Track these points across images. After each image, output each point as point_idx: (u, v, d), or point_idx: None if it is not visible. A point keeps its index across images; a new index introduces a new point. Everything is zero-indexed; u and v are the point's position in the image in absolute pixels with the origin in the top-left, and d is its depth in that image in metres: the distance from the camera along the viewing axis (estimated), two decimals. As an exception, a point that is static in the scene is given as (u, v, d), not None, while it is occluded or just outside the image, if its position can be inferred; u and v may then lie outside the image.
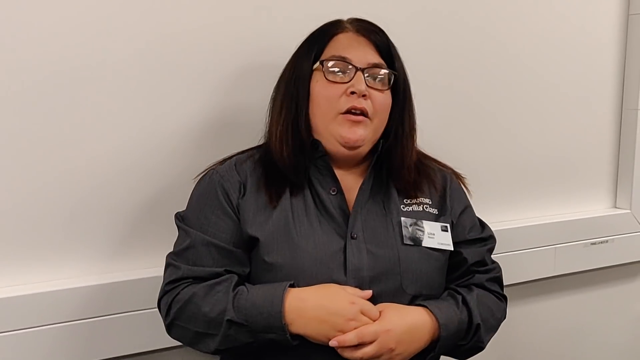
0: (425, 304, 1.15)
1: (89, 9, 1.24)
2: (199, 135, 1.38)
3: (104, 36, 1.25)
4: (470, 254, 1.26)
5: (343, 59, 1.15)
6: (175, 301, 1.12)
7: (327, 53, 1.17)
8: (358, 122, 1.15)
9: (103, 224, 1.30)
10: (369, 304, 1.10)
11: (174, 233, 1.20)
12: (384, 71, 1.17)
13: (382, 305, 1.12)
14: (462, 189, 1.32)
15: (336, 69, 1.15)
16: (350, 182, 1.21)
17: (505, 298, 1.30)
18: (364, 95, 1.14)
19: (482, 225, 1.32)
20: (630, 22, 1.92)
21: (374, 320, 1.09)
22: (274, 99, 1.23)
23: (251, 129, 1.31)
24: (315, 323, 1.07)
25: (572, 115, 1.89)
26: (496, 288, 1.28)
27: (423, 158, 1.30)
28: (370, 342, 1.07)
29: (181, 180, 1.33)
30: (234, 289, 1.10)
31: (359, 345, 1.07)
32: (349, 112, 1.14)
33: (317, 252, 1.13)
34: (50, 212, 1.25)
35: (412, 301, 1.16)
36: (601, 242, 1.91)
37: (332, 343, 1.06)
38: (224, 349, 1.11)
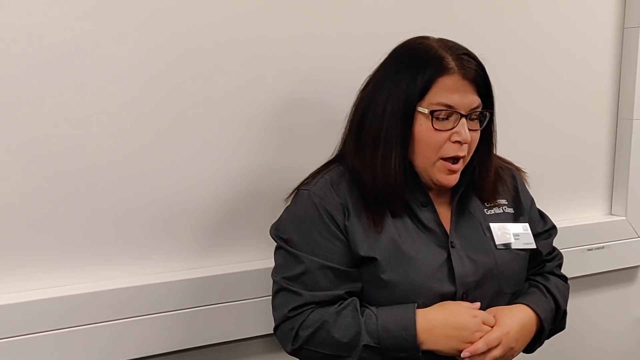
0: (523, 301, 1.26)
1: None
2: (272, 133, 1.49)
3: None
4: (543, 246, 1.35)
5: (450, 107, 1.16)
6: (303, 327, 1.17)
7: (432, 98, 1.16)
8: (456, 170, 1.20)
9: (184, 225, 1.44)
10: (486, 313, 1.20)
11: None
12: (481, 112, 1.20)
13: (493, 310, 1.22)
14: (525, 184, 1.39)
15: (442, 117, 1.16)
16: (435, 194, 1.26)
17: (566, 278, 1.41)
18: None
19: (542, 216, 1.41)
20: (626, 35, 1.98)
21: (492, 327, 1.19)
22: (361, 123, 1.22)
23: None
24: (444, 339, 1.16)
25: (568, 124, 1.94)
26: (561, 272, 1.40)
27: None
28: (496, 346, 1.17)
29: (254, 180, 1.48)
30: (361, 312, 1.17)
31: (487, 351, 1.17)
32: (449, 159, 1.19)
33: (427, 266, 1.19)
34: (138, 214, 1.39)
35: (510, 299, 1.27)
36: (597, 248, 1.96)
37: (465, 354, 1.16)
38: None
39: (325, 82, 1.53)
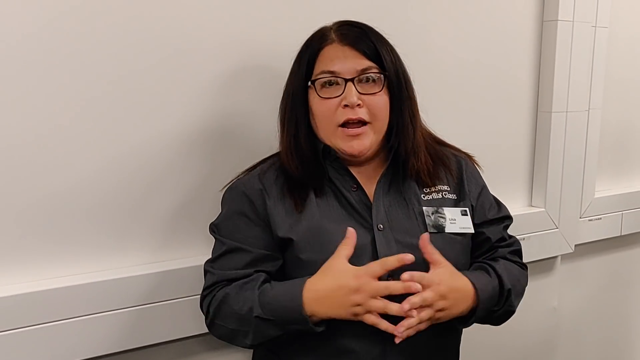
0: (463, 273, 1.22)
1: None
2: (222, 138, 1.47)
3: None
4: (492, 232, 1.35)
5: (331, 73, 1.19)
6: (212, 302, 1.21)
7: (316, 69, 1.21)
8: (357, 134, 1.20)
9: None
10: (370, 267, 1.13)
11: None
12: (373, 74, 1.20)
13: (442, 262, 1.18)
14: (477, 170, 1.38)
15: (327, 84, 1.20)
16: (369, 176, 1.27)
17: (525, 267, 1.39)
18: (358, 105, 1.18)
19: (498, 203, 1.40)
20: (545, 28, 2.00)
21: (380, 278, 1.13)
22: (279, 115, 1.28)
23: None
24: (336, 307, 1.12)
25: (489, 117, 1.95)
26: (517, 259, 1.38)
27: (437, 144, 1.35)
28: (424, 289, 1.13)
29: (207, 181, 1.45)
30: (259, 286, 1.17)
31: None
32: (346, 124, 1.19)
33: None
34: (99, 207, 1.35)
35: None
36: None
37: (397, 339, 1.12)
38: (259, 344, 1.20)
39: (271, 73, 1.49)
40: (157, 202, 1.41)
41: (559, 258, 2.19)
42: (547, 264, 2.16)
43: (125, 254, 1.40)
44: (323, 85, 1.20)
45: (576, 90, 2.05)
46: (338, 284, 1.12)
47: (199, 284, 1.29)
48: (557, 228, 2.10)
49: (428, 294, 1.13)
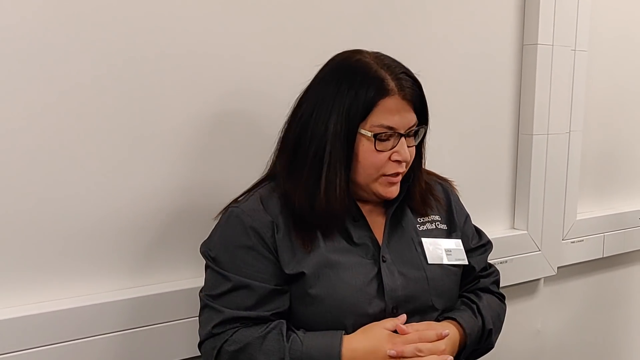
0: (453, 316, 1.26)
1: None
2: (200, 148, 1.44)
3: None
4: (476, 262, 1.36)
5: (391, 129, 1.18)
6: (226, 346, 1.16)
7: (375, 120, 1.17)
8: (396, 182, 1.23)
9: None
10: (405, 337, 1.16)
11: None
12: (418, 129, 1.23)
13: (423, 325, 1.20)
14: (459, 198, 1.39)
15: (384, 138, 1.18)
16: (369, 208, 1.27)
17: (503, 297, 1.42)
18: None
19: (478, 231, 1.42)
20: (525, 52, 2.02)
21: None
22: (303, 150, 1.19)
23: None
24: None
25: (470, 140, 1.96)
26: (497, 290, 1.41)
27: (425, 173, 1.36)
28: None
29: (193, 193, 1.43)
30: (287, 338, 1.14)
31: None
32: (390, 175, 1.21)
33: (355, 281, 1.18)
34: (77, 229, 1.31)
35: (440, 315, 1.26)
36: (500, 262, 1.97)
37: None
38: None
39: (255, 94, 1.49)
40: (137, 226, 1.39)
41: (542, 280, 2.19)
42: (530, 286, 2.16)
43: (103, 278, 1.37)
44: (379, 140, 1.18)
45: (557, 112, 2.06)
46: (375, 347, 1.14)
47: (183, 308, 1.26)
48: (539, 250, 2.10)
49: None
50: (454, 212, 1.35)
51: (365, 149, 1.18)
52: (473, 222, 1.42)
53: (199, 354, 1.24)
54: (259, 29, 1.48)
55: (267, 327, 1.16)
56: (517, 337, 2.16)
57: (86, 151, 1.31)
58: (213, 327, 1.17)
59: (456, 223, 1.34)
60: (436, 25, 1.82)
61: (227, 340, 1.16)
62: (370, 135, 1.17)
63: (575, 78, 2.13)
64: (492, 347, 1.35)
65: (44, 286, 1.30)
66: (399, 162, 1.20)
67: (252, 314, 1.17)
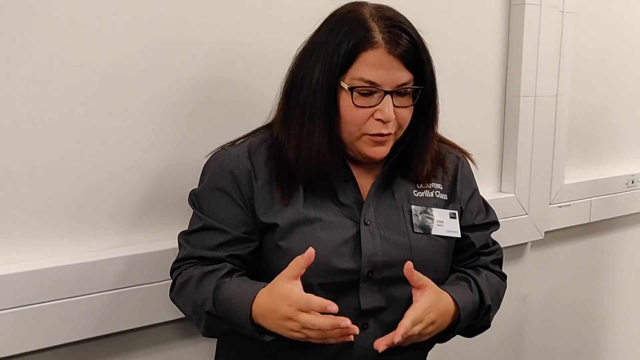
0: (445, 289, 1.19)
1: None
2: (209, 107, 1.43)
3: None
4: (477, 238, 1.30)
5: (372, 84, 1.11)
6: (178, 279, 1.19)
7: (354, 72, 1.11)
8: (383, 142, 1.16)
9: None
10: (300, 297, 1.04)
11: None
12: (411, 88, 1.15)
13: (427, 284, 1.14)
14: (472, 172, 1.34)
15: (364, 93, 1.12)
16: (364, 169, 1.22)
17: (505, 276, 1.37)
18: None
19: (487, 208, 1.37)
20: (512, 12, 1.98)
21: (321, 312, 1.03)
22: (287, 96, 1.18)
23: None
24: (277, 327, 1.06)
25: (458, 102, 1.92)
26: (498, 268, 1.36)
27: (438, 142, 1.29)
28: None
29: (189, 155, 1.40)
30: (221, 279, 1.13)
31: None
32: (374, 135, 1.14)
33: (330, 239, 1.15)
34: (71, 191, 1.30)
35: None
36: (488, 225, 1.96)
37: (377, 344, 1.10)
38: (212, 335, 1.20)
39: (244, 61, 1.46)
40: (128, 183, 1.36)
41: (529, 245, 2.18)
42: (517, 250, 2.15)
43: (96, 237, 1.34)
44: (360, 94, 1.12)
45: (544, 74, 2.04)
46: (274, 307, 1.05)
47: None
48: (526, 214, 2.09)
49: (417, 328, 1.10)
50: (458, 183, 1.29)
51: (346, 103, 1.13)
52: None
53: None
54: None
55: (213, 267, 1.16)
56: (504, 302, 2.14)
57: (77, 111, 1.28)
58: (176, 261, 1.22)
59: (457, 195, 1.28)
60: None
61: (180, 273, 1.19)
62: (347, 88, 1.12)
63: (563, 40, 2.11)
64: (489, 326, 1.31)
65: (32, 244, 1.27)
66: (382, 121, 1.13)
67: (210, 253, 1.17)
